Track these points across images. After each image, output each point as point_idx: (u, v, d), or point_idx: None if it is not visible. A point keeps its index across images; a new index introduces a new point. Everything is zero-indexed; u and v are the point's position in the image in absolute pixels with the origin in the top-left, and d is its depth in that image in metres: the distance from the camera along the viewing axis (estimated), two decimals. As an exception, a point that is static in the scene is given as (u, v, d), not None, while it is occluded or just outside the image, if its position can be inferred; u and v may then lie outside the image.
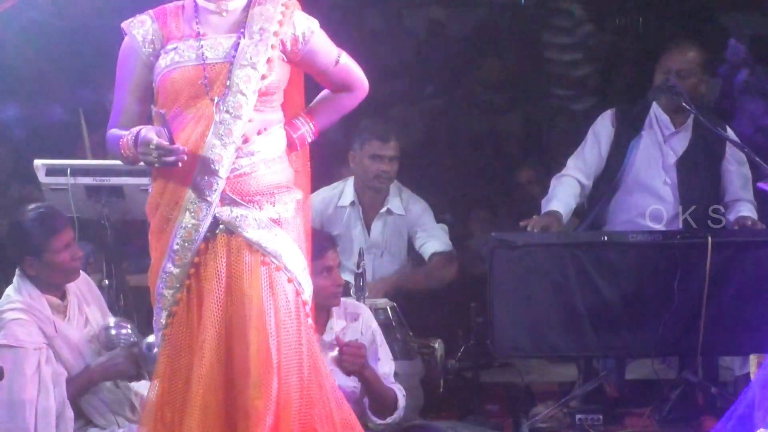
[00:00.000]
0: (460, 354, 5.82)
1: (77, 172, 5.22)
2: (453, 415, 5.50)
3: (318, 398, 3.61)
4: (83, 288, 4.75)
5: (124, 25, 3.71)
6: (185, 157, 3.50)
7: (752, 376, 4.60)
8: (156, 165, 3.54)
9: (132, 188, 5.22)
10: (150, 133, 3.51)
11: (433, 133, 7.58)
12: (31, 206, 4.70)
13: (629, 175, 5.55)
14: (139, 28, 3.68)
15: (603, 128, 5.61)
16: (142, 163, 3.64)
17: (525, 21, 7.94)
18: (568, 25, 7.72)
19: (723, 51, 7.68)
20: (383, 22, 7.65)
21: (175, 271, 3.60)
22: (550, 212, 5.43)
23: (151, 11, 3.72)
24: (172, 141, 3.50)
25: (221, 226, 3.60)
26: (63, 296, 4.65)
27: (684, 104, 5.31)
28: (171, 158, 3.49)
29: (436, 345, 5.57)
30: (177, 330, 3.61)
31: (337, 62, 3.77)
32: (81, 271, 4.74)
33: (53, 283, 4.61)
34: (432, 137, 7.55)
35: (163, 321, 3.64)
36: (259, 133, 3.63)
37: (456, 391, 5.68)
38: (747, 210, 5.47)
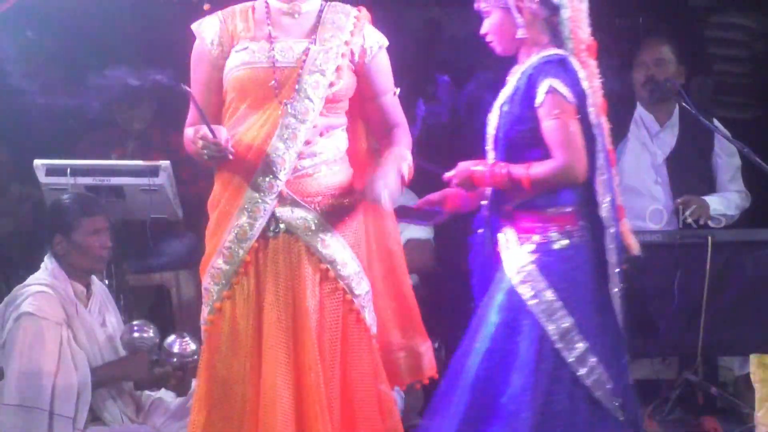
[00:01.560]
0: (460, 354, 5.81)
1: (77, 172, 5.23)
2: (453, 415, 5.49)
3: (368, 402, 3.65)
4: (104, 295, 4.85)
5: (193, 27, 3.74)
6: (231, 154, 3.52)
7: (752, 376, 4.61)
8: (204, 157, 3.56)
9: (132, 188, 5.23)
10: (204, 129, 3.53)
11: (433, 133, 7.57)
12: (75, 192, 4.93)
13: (620, 177, 5.54)
14: (208, 29, 3.70)
15: None
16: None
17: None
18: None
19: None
20: (383, 22, 7.66)
21: (225, 267, 3.62)
22: None
23: (220, 12, 3.75)
24: (212, 133, 3.50)
25: (282, 226, 3.61)
26: (88, 287, 4.73)
27: (682, 99, 5.32)
28: (214, 152, 3.51)
29: (436, 345, 5.57)
30: (218, 327, 3.62)
31: (394, 93, 3.82)
32: (99, 282, 4.81)
33: (79, 268, 4.69)
34: (431, 137, 7.54)
35: (205, 316, 3.66)
36: (321, 135, 3.65)
37: (456, 391, 5.67)
38: (718, 204, 5.44)
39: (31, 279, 4.69)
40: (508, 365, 3.77)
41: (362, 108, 3.79)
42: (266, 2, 3.71)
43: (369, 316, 3.71)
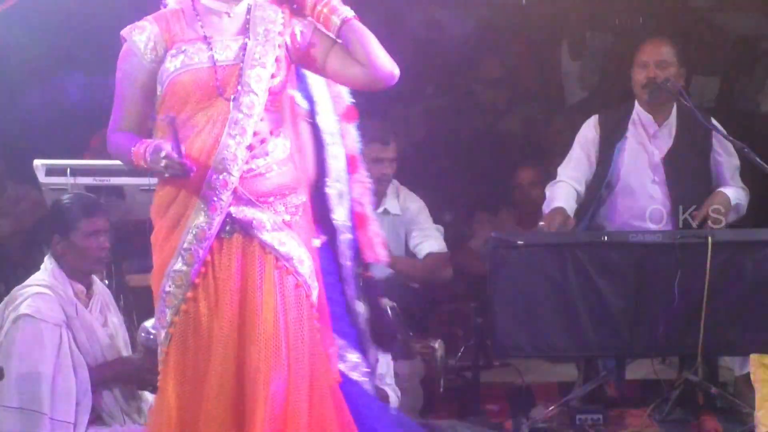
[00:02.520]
0: (460, 354, 5.82)
1: (77, 172, 5.22)
2: (453, 415, 5.50)
3: (327, 400, 3.64)
4: (106, 295, 4.84)
5: (123, 32, 3.73)
6: (192, 171, 3.54)
7: (752, 376, 4.61)
8: (166, 174, 3.58)
9: (132, 188, 5.23)
10: (164, 144, 3.54)
11: (433, 133, 7.58)
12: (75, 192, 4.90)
13: (618, 177, 5.57)
14: (139, 34, 3.70)
15: (588, 135, 5.65)
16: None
17: (525, 21, 7.94)
18: None
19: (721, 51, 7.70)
20: (384, 23, 7.66)
21: (185, 269, 3.63)
22: (556, 208, 5.44)
23: (150, 17, 3.74)
24: (179, 152, 3.53)
25: (236, 227, 3.63)
26: (89, 287, 4.72)
27: (682, 99, 5.32)
28: (178, 170, 3.53)
29: (436, 345, 5.57)
30: (184, 328, 3.63)
31: (335, 41, 3.70)
32: (101, 282, 4.81)
33: (77, 269, 4.69)
34: (432, 137, 7.55)
35: (168, 319, 3.66)
36: (272, 133, 3.68)
37: (456, 391, 5.69)
38: (730, 195, 5.45)
39: (30, 280, 4.68)
40: None
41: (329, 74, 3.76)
42: (193, 4, 3.72)
43: (318, 313, 3.73)
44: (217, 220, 3.61)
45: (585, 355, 5.43)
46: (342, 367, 3.88)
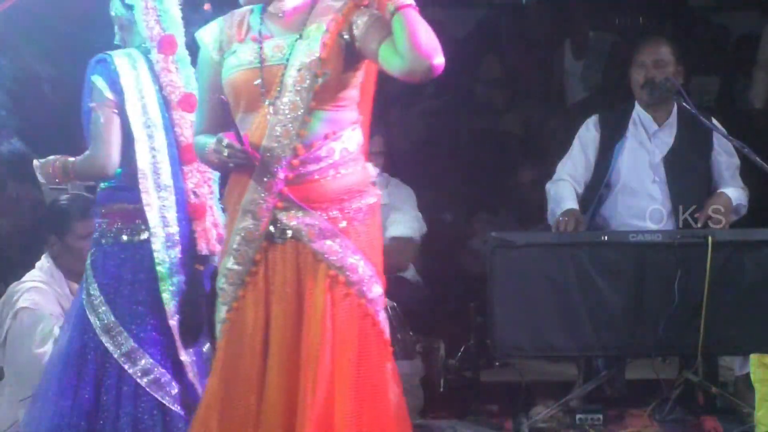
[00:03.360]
0: (460, 354, 5.82)
1: (77, 171, 5.21)
2: (453, 415, 5.50)
3: (374, 410, 3.59)
4: None
5: (197, 34, 3.75)
6: (255, 159, 3.53)
7: (752, 376, 4.60)
8: (230, 164, 3.57)
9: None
10: (224, 138, 3.54)
11: (433, 133, 7.58)
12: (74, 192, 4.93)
13: (618, 177, 5.57)
14: (209, 35, 3.72)
15: (587, 134, 5.65)
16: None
17: (525, 21, 7.94)
18: None
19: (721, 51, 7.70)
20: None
21: (237, 268, 3.62)
22: (569, 210, 5.44)
23: (221, 18, 3.75)
24: (242, 143, 3.53)
25: (289, 233, 3.59)
26: None
27: (683, 99, 5.31)
28: (241, 159, 3.52)
29: (437, 345, 5.57)
30: (236, 326, 3.63)
31: (391, 17, 3.47)
32: None
33: (72, 270, 4.71)
34: (432, 137, 7.55)
35: (222, 315, 3.66)
36: (326, 137, 3.59)
37: (456, 391, 5.68)
38: (731, 195, 5.45)
39: (26, 276, 4.71)
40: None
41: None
42: (261, 5, 3.70)
43: (383, 320, 3.67)
44: (264, 222, 3.58)
45: (585, 355, 5.43)
46: (131, 369, 4.06)
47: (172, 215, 4.10)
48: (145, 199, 4.07)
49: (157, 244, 4.07)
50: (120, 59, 4.14)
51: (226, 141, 3.52)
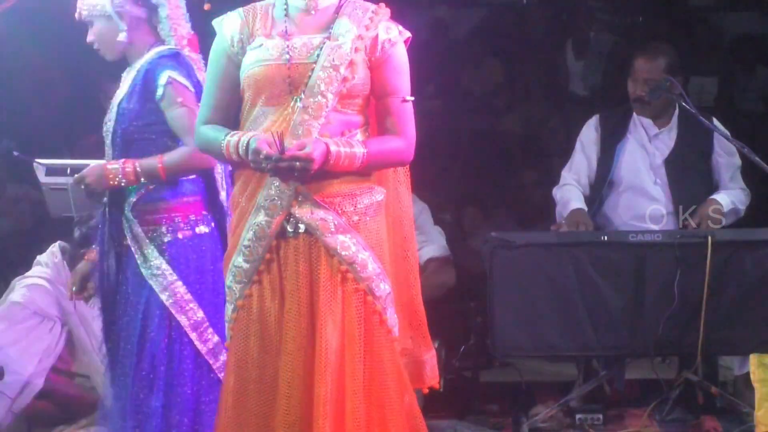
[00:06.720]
0: (460, 354, 5.82)
1: (77, 171, 5.21)
2: (453, 415, 5.50)
3: (383, 401, 3.59)
4: None
5: (214, 23, 3.72)
6: (296, 165, 3.46)
7: (752, 376, 4.61)
8: (270, 174, 3.53)
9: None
10: (262, 144, 3.49)
11: (433, 133, 7.59)
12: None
13: (619, 178, 5.58)
14: (229, 26, 3.69)
15: (588, 136, 5.67)
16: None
17: (526, 21, 7.95)
18: None
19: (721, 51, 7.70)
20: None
21: (245, 266, 3.61)
22: (576, 210, 5.44)
23: (241, 9, 3.71)
24: (283, 152, 3.46)
25: (301, 227, 3.58)
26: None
27: (684, 104, 5.31)
28: (283, 165, 3.46)
29: (436, 345, 5.57)
30: (243, 324, 3.61)
31: (404, 99, 3.65)
32: None
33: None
34: (432, 137, 7.56)
35: (228, 314, 3.66)
36: (342, 135, 3.60)
37: (456, 391, 5.68)
38: (722, 201, 5.45)
39: (32, 271, 4.71)
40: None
41: (377, 106, 3.70)
42: (286, 0, 3.69)
43: (391, 318, 3.67)
44: (277, 219, 3.57)
45: (585, 354, 5.43)
46: (216, 364, 4.08)
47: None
48: (218, 187, 4.13)
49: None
50: (185, 53, 4.15)
51: (263, 154, 3.47)
